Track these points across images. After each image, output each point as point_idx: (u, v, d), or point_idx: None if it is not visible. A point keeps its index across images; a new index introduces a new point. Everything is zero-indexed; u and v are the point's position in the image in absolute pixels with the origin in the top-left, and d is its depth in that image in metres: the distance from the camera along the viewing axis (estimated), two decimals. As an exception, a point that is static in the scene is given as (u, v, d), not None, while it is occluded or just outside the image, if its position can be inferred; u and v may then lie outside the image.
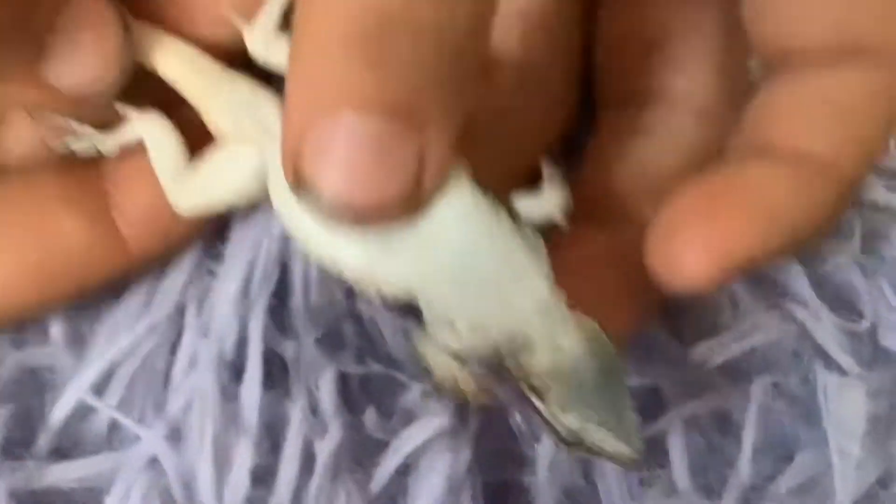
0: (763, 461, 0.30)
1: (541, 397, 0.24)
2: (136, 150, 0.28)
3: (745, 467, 0.29)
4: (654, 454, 0.30)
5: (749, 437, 0.30)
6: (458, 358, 0.25)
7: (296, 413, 0.27)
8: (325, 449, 0.27)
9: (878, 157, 0.27)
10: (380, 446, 0.28)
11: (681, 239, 0.25)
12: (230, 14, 0.28)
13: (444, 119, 0.23)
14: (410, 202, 0.23)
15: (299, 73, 0.23)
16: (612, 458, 0.24)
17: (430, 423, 0.28)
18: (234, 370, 0.28)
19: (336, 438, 0.27)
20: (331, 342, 0.30)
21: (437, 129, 0.22)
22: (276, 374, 0.29)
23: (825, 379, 0.30)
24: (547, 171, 0.27)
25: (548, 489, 0.29)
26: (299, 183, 0.22)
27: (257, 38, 0.28)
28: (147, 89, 0.28)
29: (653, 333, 0.31)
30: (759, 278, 0.32)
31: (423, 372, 0.26)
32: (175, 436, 0.27)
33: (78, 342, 0.29)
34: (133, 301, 0.29)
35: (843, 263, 0.33)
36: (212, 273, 0.29)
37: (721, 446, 0.30)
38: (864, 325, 0.32)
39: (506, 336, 0.24)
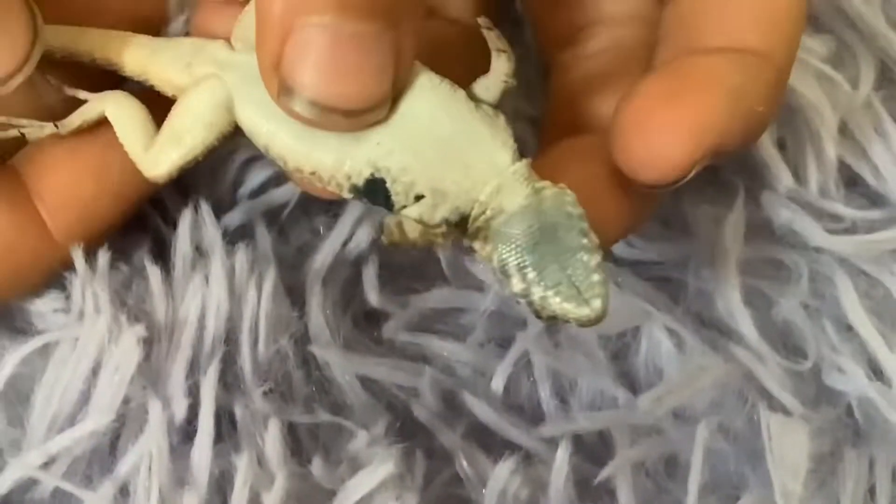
0: (709, 502, 0.30)
1: (488, 260, 0.25)
2: (49, 140, 0.28)
3: (691, 510, 0.30)
4: (602, 499, 0.30)
5: (695, 479, 0.30)
6: (422, 223, 0.26)
7: (242, 465, 0.28)
8: (271, 500, 0.27)
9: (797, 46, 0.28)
10: (327, 495, 0.28)
11: (651, 125, 0.25)
12: None
13: (413, 10, 0.24)
14: (390, 96, 0.24)
15: None
16: (568, 320, 0.24)
17: (377, 471, 0.28)
18: (185, 432, 0.28)
19: (282, 489, 0.28)
20: (280, 394, 0.30)
21: (407, 23, 0.24)
22: (226, 429, 0.29)
23: (769, 419, 0.30)
24: (487, 35, 0.27)
25: (496, 533, 0.29)
26: (284, 89, 0.23)
27: None
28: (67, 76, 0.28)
29: (601, 381, 0.32)
30: (705, 321, 0.33)
31: (385, 239, 0.27)
32: (123, 494, 0.28)
33: (16, 422, 0.29)
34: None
35: (788, 305, 0.33)
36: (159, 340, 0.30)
37: (668, 489, 0.30)
38: (808, 365, 0.32)
39: (464, 201, 0.25)
